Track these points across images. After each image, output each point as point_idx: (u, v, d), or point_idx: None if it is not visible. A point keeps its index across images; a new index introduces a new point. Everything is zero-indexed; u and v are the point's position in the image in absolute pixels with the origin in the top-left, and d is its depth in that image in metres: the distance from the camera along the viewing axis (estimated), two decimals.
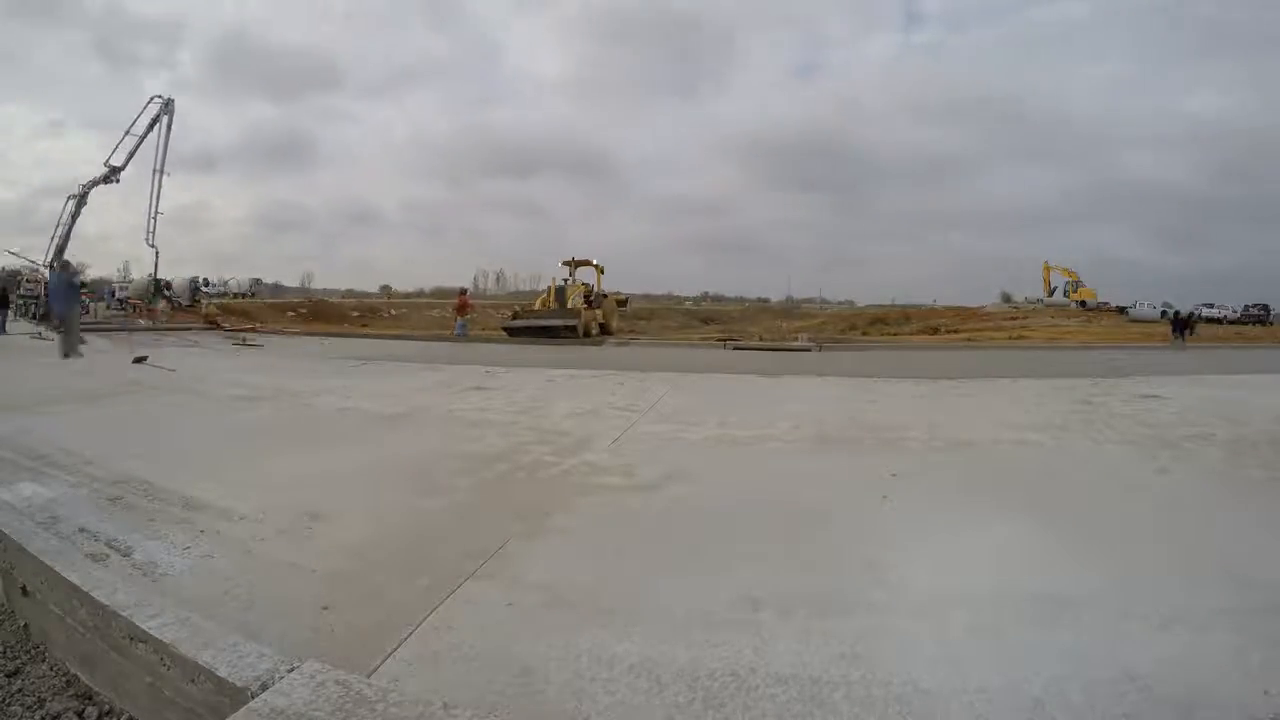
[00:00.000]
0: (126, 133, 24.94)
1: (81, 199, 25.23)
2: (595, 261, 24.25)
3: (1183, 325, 16.66)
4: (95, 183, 25.11)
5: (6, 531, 2.32)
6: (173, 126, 25.07)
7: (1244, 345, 18.90)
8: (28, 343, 13.70)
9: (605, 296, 23.69)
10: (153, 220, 25.25)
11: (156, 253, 25.70)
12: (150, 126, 24.91)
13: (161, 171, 25.09)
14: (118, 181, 25.22)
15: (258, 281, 56.27)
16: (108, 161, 25.07)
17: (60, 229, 25.40)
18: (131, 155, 24.88)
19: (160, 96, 25.32)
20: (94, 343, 12.34)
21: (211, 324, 23.56)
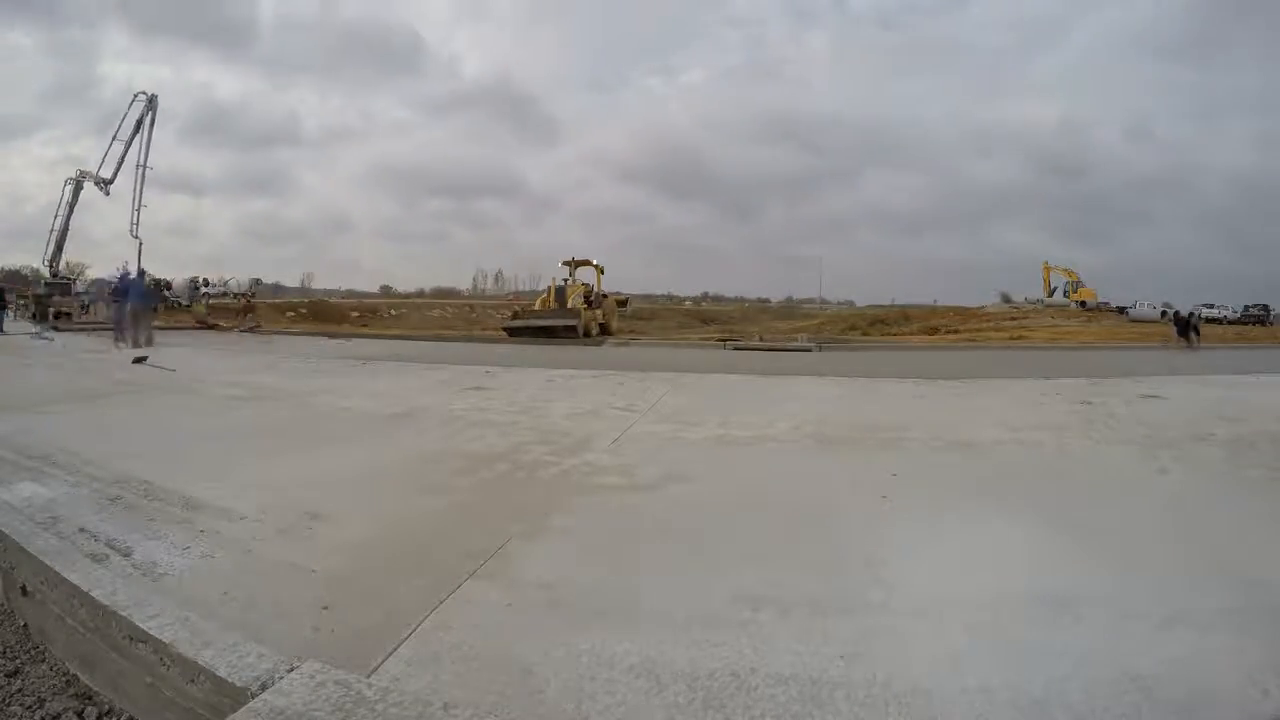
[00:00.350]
0: (114, 138, 25.29)
1: (78, 185, 25.34)
2: (595, 262, 24.27)
3: (1187, 326, 16.54)
4: (89, 176, 25.24)
5: (6, 531, 2.32)
6: (155, 123, 25.34)
7: (1247, 345, 18.73)
8: (27, 342, 13.70)
9: (605, 297, 23.69)
10: (136, 213, 25.53)
11: (140, 244, 25.94)
12: (136, 129, 25.15)
13: (145, 165, 25.40)
14: (108, 194, 25.58)
15: (257, 282, 56.15)
16: (98, 175, 25.39)
17: (58, 220, 25.54)
18: (121, 161, 25.25)
19: (144, 93, 25.50)
20: (85, 342, 12.34)
21: (204, 325, 23.41)
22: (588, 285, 23.57)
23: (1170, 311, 38.60)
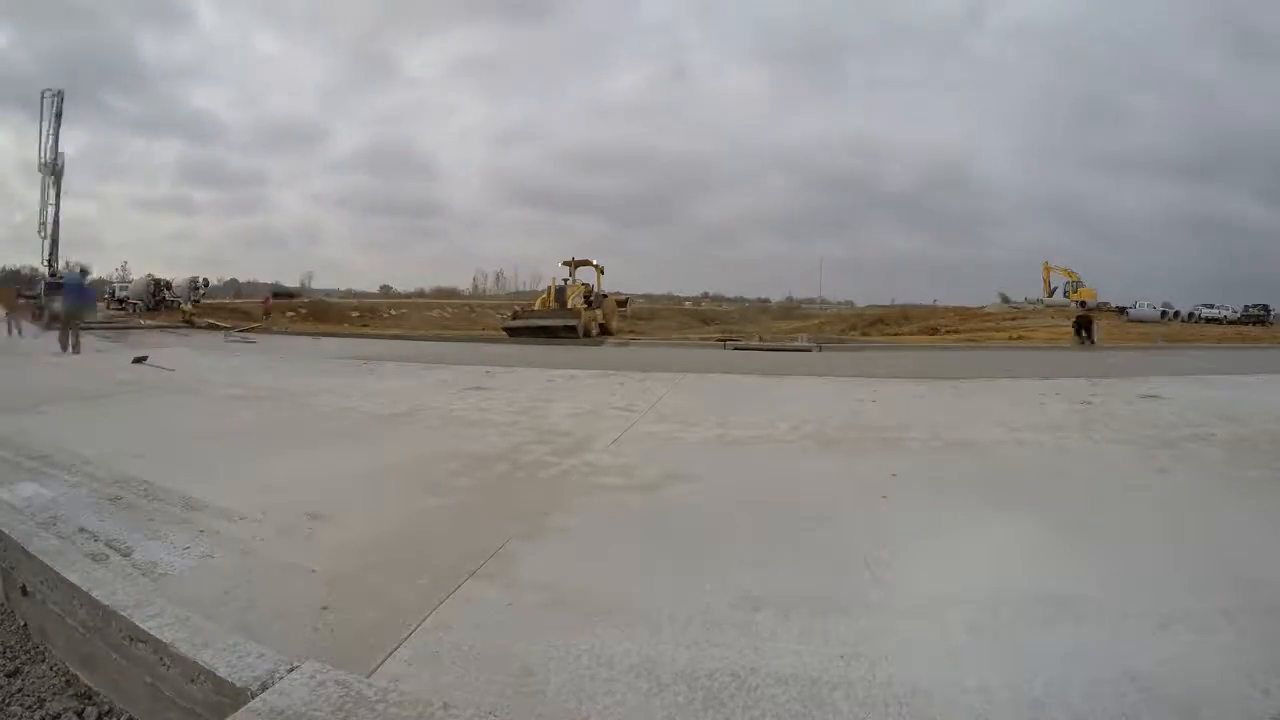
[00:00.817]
0: (42, 132, 25.53)
1: (58, 172, 25.34)
2: (595, 262, 24.24)
3: (1083, 326, 16.58)
4: (62, 158, 25.34)
5: (6, 531, 2.32)
6: (62, 115, 25.53)
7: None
8: (27, 342, 13.70)
9: (605, 297, 23.66)
10: (44, 211, 25.57)
11: (53, 243, 25.90)
12: (57, 118, 25.31)
13: (55, 160, 25.56)
14: (55, 175, 25.65)
15: (234, 281, 56.25)
16: (41, 162, 25.57)
17: (48, 209, 25.55)
18: (56, 147, 25.42)
19: (50, 90, 25.66)
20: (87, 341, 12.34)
21: (189, 324, 23.81)
22: (588, 285, 23.54)
23: (1170, 311, 38.70)
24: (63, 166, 25.63)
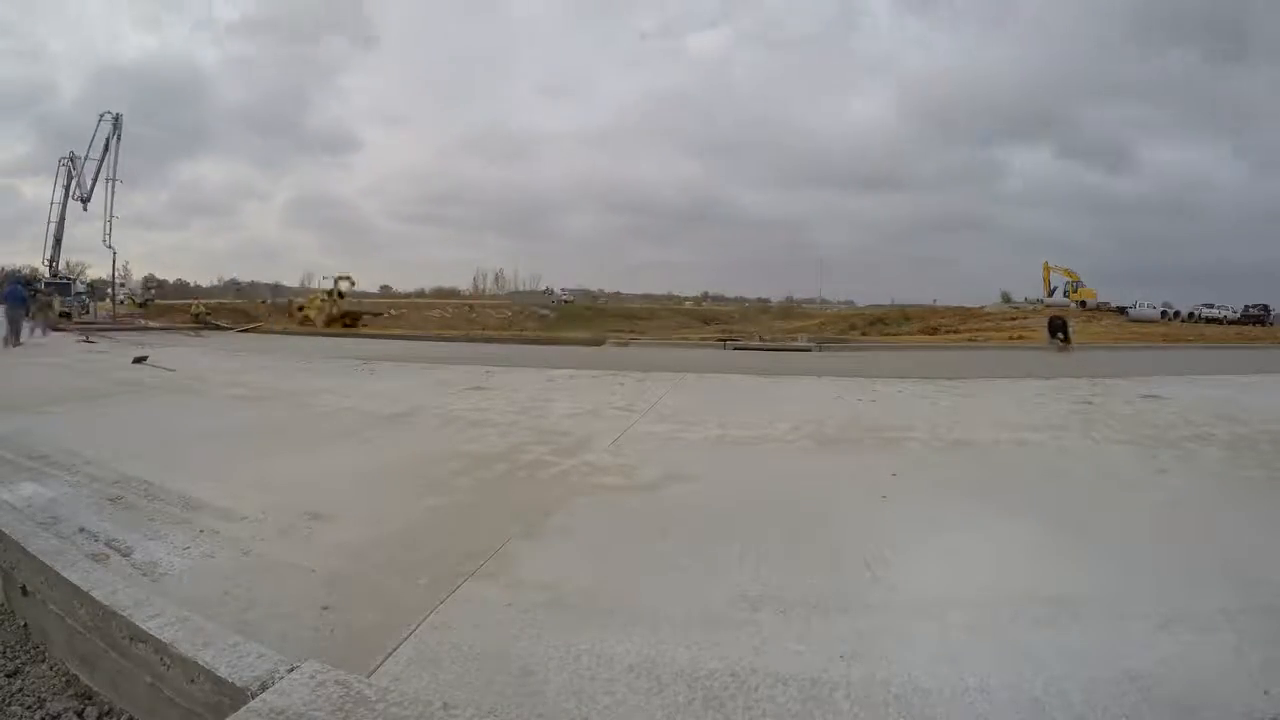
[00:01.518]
0: (86, 157, 25.92)
1: (70, 169, 25.63)
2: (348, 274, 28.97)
3: (1058, 328, 16.53)
4: (79, 159, 25.79)
5: (6, 531, 2.32)
6: (121, 138, 26.00)
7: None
8: (32, 341, 13.70)
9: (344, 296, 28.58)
10: (108, 224, 26.22)
11: (114, 254, 26.66)
12: (106, 146, 25.82)
13: (114, 179, 26.20)
14: (85, 210, 26.33)
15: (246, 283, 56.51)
16: (76, 193, 26.06)
17: (55, 208, 25.83)
18: (95, 177, 26.01)
19: (110, 112, 26.06)
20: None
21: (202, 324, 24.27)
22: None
23: (1170, 311, 38.72)
24: (114, 183, 26.28)
